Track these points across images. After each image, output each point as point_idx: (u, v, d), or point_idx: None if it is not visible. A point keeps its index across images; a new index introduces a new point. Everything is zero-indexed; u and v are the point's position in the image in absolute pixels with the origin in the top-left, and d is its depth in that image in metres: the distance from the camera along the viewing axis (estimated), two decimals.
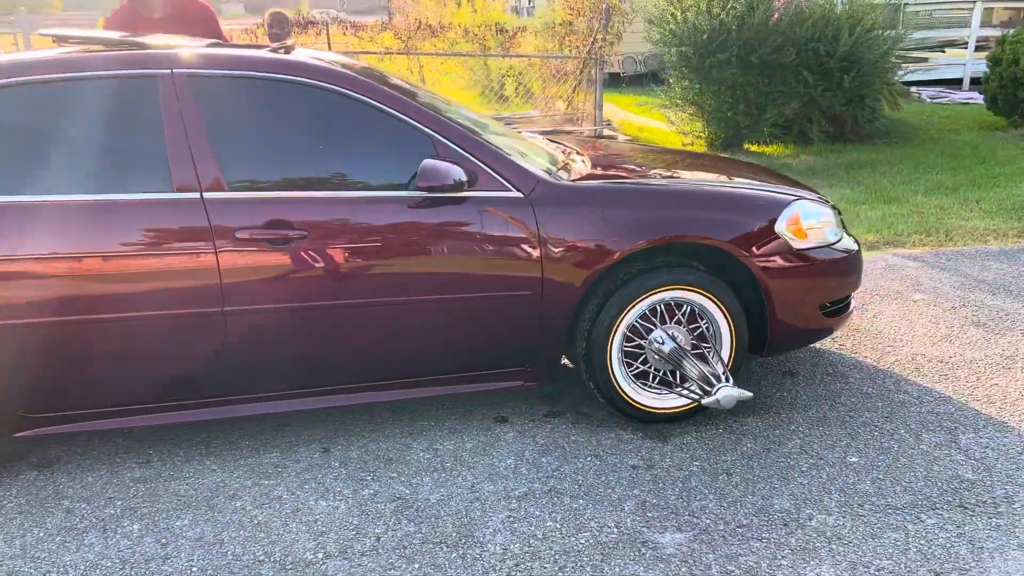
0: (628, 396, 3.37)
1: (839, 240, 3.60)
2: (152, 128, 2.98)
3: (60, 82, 2.98)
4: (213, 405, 3.13)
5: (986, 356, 4.03)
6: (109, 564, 2.64)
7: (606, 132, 10.48)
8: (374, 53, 8.67)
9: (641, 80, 14.66)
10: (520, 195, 3.18)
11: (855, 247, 3.68)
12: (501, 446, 3.30)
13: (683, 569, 2.59)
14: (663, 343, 3.34)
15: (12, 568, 2.63)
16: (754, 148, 9.58)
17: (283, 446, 3.32)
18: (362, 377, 3.24)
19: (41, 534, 2.80)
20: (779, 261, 3.38)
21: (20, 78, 2.95)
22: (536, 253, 3.18)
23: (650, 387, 3.41)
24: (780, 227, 3.38)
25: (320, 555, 2.67)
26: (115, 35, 3.41)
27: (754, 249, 3.33)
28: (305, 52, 3.52)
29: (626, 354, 3.37)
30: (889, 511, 2.86)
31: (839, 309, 3.66)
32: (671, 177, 3.67)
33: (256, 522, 2.85)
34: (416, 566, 2.62)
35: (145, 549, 2.71)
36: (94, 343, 2.96)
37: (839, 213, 3.80)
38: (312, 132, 3.15)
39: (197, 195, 2.96)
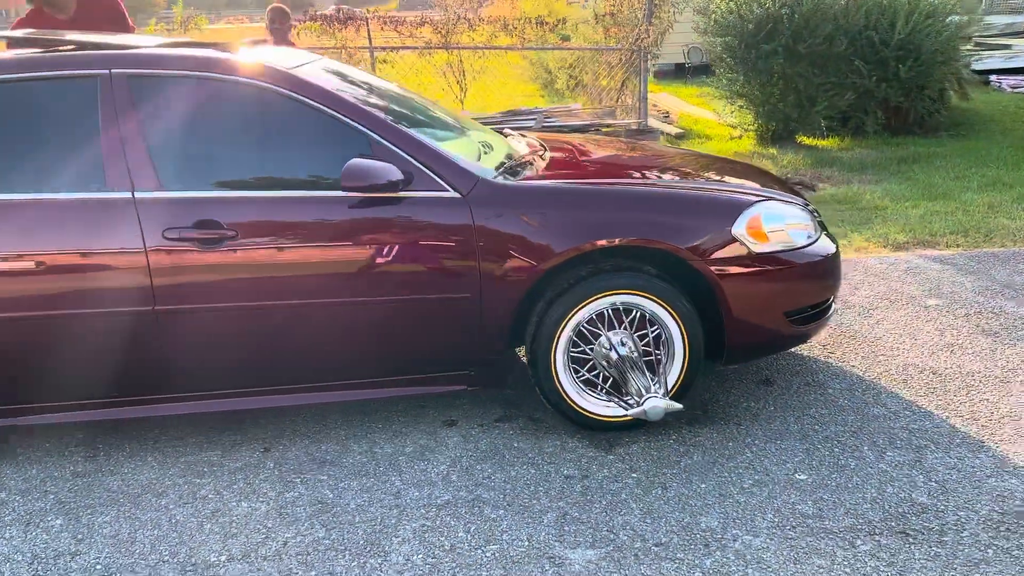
0: (574, 402, 3.26)
1: (811, 243, 3.40)
2: (90, 128, 3.02)
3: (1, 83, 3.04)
4: (149, 403, 3.16)
5: (985, 368, 3.75)
6: (20, 558, 2.69)
7: (656, 124, 10.25)
8: (414, 48, 8.67)
9: (707, 70, 14.29)
10: (458, 195, 3.10)
11: (831, 250, 3.47)
12: (440, 451, 3.23)
13: None
14: (610, 349, 3.21)
15: None
16: (807, 141, 9.21)
17: (226, 444, 3.33)
18: (299, 378, 3.22)
19: None
20: (736, 266, 3.21)
21: None
22: (473, 255, 3.09)
23: (598, 394, 3.29)
24: (738, 230, 3.21)
25: (223, 558, 2.66)
26: (77, 36, 3.47)
27: (707, 253, 3.18)
28: (262, 51, 3.50)
29: (574, 359, 3.26)
30: (823, 535, 2.68)
31: (814, 315, 3.46)
32: (634, 179, 3.53)
33: (174, 521, 2.86)
34: (313, 573, 2.58)
35: (59, 544, 2.75)
36: (27, 340, 3.02)
37: (816, 215, 3.60)
38: (248, 131, 3.15)
39: (129, 194, 2.99)
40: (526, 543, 2.69)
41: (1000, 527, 2.68)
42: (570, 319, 3.18)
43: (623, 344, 3.22)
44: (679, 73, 15.19)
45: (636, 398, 3.06)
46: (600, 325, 3.22)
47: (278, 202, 3.06)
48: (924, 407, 3.44)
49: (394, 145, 3.10)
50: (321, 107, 3.09)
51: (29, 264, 2.96)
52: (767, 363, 3.88)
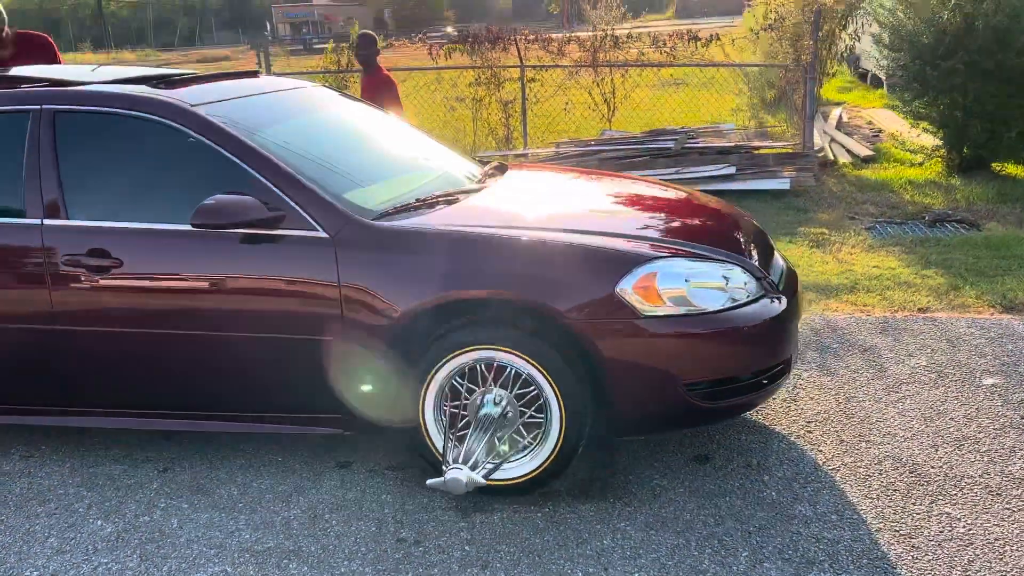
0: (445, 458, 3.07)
1: (732, 308, 2.96)
2: (17, 160, 3.29)
3: None
4: (43, 414, 3.40)
5: (982, 474, 3.06)
6: None
7: (849, 143, 9.37)
8: (564, 67, 8.55)
9: None
10: (325, 236, 3.03)
11: (764, 316, 3.00)
12: (307, 495, 3.17)
13: None
14: (480, 407, 2.99)
15: None
16: (1011, 170, 7.98)
17: (138, 460, 3.48)
18: (182, 404, 3.31)
19: None
20: (619, 329, 2.87)
21: None
22: (335, 298, 3.01)
23: None
24: (623, 288, 2.87)
25: (35, 574, 2.79)
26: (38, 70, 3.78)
27: (585, 313, 2.87)
28: (204, 85, 3.60)
29: (454, 416, 3.07)
30: None
31: (740, 388, 3.00)
32: (530, 224, 3.23)
33: (31, 531, 3.03)
34: None
35: None
36: None
37: (760, 276, 3.11)
38: (143, 164, 3.28)
39: (39, 222, 3.23)
40: None
41: None
42: (437, 372, 3.00)
43: (496, 404, 2.99)
44: None
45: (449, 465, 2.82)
46: (473, 381, 3.01)
47: (159, 235, 3.16)
48: (861, 513, 2.88)
49: (270, 183, 3.09)
50: (209, 143, 3.15)
51: None
52: (713, 435, 3.42)
